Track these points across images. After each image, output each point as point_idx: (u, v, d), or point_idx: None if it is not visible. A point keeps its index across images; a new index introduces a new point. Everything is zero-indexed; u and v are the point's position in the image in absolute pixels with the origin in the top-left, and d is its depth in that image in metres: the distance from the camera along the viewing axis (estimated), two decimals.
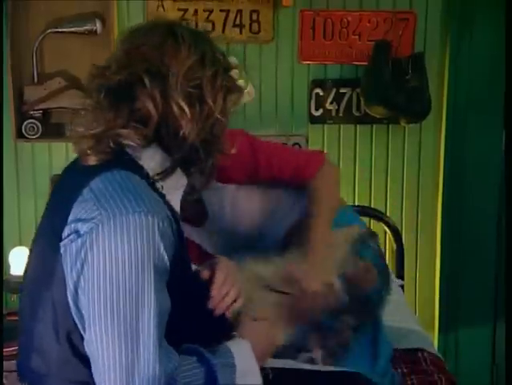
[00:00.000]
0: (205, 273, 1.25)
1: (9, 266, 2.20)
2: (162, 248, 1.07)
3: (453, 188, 2.56)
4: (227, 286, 1.24)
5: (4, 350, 1.80)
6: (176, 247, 1.13)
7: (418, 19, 2.45)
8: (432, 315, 2.62)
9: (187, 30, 1.16)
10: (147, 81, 1.07)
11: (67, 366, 1.12)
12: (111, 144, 1.10)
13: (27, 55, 2.28)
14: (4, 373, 1.80)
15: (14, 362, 1.41)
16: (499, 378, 2.55)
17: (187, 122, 1.09)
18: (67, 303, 1.09)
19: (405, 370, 1.70)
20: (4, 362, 1.79)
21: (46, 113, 2.33)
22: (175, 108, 1.09)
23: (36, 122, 2.27)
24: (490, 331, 2.60)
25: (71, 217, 1.10)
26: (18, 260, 2.17)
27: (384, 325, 1.76)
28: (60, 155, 2.40)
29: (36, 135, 2.27)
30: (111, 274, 1.05)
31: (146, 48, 1.09)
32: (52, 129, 2.34)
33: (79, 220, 1.09)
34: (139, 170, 1.12)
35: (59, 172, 2.15)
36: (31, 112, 2.28)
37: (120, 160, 1.11)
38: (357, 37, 2.45)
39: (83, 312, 1.07)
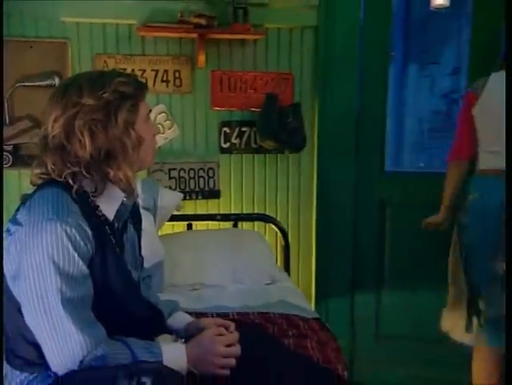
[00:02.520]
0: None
1: None
2: (71, 248, 1.19)
3: (322, 199, 2.83)
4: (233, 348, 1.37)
5: None
6: (93, 247, 1.25)
7: (295, 79, 2.77)
8: (310, 293, 2.90)
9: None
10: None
11: (23, 330, 1.26)
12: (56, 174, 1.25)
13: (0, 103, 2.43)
14: None
15: None
16: (356, 336, 2.89)
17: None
18: (8, 286, 1.26)
19: (303, 332, 1.95)
20: None
21: (16, 147, 2.55)
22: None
23: (8, 154, 2.52)
24: (349, 303, 2.87)
25: (12, 218, 1.27)
26: None
27: (285, 301, 2.23)
28: (27, 180, 2.21)
29: (8, 164, 2.53)
30: (27, 268, 1.19)
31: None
32: (21, 159, 2.56)
33: (13, 221, 1.26)
34: (71, 189, 1.24)
35: (28, 192, 2.56)
36: (5, 147, 2.48)
37: (58, 182, 1.25)
38: (253, 90, 2.74)
39: (16, 295, 1.24)
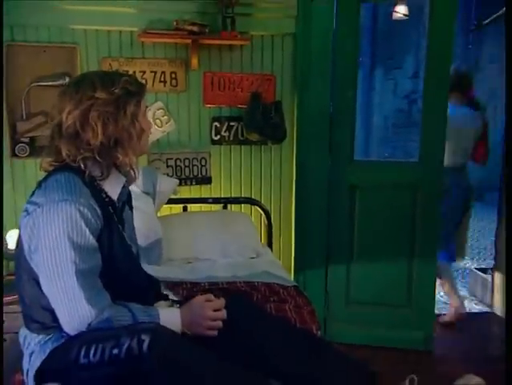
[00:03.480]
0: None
1: (7, 243, 2.32)
2: (83, 225, 1.20)
3: (301, 184, 2.82)
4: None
5: (5, 298, 1.96)
6: (101, 224, 1.26)
7: (277, 80, 2.77)
8: (290, 265, 2.93)
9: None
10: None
11: (39, 298, 1.27)
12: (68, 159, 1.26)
13: (18, 101, 2.48)
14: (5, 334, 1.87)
15: (14, 306, 1.73)
16: (329, 302, 2.88)
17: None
18: (27, 259, 1.27)
19: (283, 297, 1.98)
20: (5, 307, 1.90)
21: (32, 139, 2.52)
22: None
23: (25, 145, 2.50)
24: (323, 274, 2.86)
25: (28, 200, 1.27)
26: (13, 238, 2.27)
27: (267, 272, 2.25)
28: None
29: (25, 154, 2.51)
30: (45, 242, 1.20)
31: None
32: (37, 150, 2.52)
33: (30, 202, 1.25)
34: (82, 174, 1.26)
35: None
36: (22, 139, 2.50)
37: (70, 167, 1.27)
38: (240, 90, 2.73)
39: (34, 266, 1.26)
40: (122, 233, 1.39)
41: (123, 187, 1.41)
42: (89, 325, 1.22)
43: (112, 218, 1.33)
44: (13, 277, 1.42)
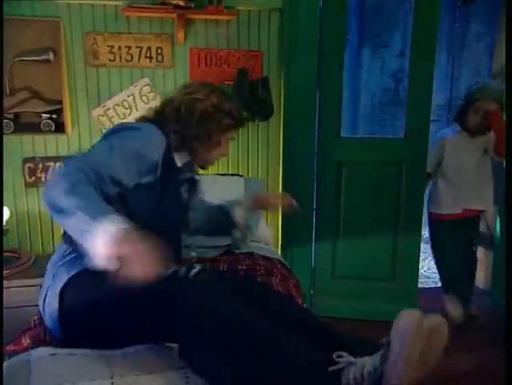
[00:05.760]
0: None
1: None
2: (136, 143, 1.33)
3: (288, 160, 2.81)
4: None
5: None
6: (160, 164, 1.38)
7: (264, 55, 2.72)
8: (277, 240, 2.93)
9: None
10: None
11: None
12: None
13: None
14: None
15: None
16: (316, 276, 2.91)
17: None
18: None
19: (269, 270, 1.99)
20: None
21: (17, 115, 2.49)
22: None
23: (9, 121, 2.46)
24: (311, 248, 2.88)
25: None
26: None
27: (261, 246, 2.29)
28: (28, 144, 2.54)
29: (10, 131, 2.47)
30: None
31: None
32: (21, 126, 2.49)
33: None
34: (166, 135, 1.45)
35: (28, 155, 2.50)
36: (6, 115, 2.44)
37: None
38: (227, 65, 2.68)
39: None
40: (179, 189, 1.59)
41: (184, 164, 1.57)
42: (49, 200, 1.13)
43: (173, 171, 1.48)
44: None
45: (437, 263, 2.89)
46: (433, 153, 2.73)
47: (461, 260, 2.77)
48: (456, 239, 2.73)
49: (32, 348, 1.26)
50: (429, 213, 2.85)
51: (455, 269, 2.76)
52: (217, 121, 1.51)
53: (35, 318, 1.48)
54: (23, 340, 1.36)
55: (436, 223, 2.83)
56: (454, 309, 2.72)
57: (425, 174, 2.76)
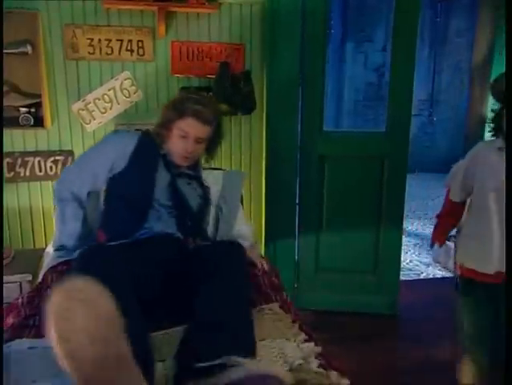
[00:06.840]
0: None
1: None
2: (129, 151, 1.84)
3: (271, 154, 2.80)
4: None
5: None
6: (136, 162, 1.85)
7: (246, 49, 2.69)
8: (260, 233, 2.90)
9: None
10: None
11: None
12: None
13: None
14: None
15: None
16: (300, 272, 2.92)
17: None
18: None
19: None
20: None
21: None
22: None
23: None
24: (294, 241, 2.89)
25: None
26: None
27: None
28: (6, 139, 2.46)
29: None
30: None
31: None
32: None
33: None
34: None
35: (7, 150, 2.42)
36: None
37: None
38: (209, 59, 2.64)
39: None
40: (176, 180, 1.87)
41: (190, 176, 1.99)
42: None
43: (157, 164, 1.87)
44: None
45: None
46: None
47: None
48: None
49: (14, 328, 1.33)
50: None
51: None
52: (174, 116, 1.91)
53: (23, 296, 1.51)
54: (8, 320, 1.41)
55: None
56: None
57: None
